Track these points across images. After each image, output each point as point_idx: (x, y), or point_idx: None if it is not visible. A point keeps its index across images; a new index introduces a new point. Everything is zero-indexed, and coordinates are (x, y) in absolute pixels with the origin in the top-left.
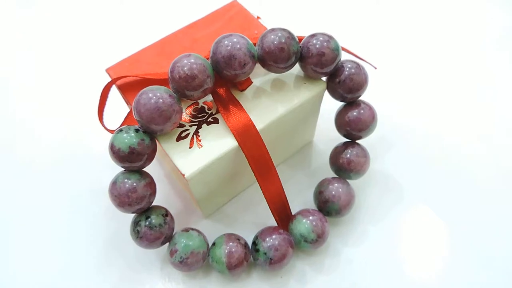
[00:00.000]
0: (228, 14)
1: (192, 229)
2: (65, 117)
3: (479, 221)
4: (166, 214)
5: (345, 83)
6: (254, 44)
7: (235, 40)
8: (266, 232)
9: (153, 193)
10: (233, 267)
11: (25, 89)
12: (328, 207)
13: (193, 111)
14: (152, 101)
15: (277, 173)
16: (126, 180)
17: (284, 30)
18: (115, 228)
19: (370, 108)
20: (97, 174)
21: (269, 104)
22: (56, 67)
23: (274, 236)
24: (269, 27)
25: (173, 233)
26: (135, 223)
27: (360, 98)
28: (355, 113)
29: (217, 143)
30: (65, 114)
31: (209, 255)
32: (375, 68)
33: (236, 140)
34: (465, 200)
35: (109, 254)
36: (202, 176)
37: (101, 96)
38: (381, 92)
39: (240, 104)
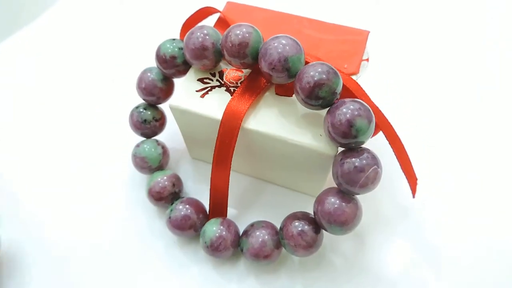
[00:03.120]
0: (347, 36)
1: (164, 147)
2: None
3: None
4: (157, 119)
5: (343, 168)
6: (307, 62)
7: (284, 42)
8: (192, 202)
9: (163, 98)
10: (151, 195)
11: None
12: (243, 240)
13: (229, 73)
14: (200, 39)
15: (229, 171)
16: (150, 74)
17: (329, 75)
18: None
19: (356, 208)
20: None
21: (275, 120)
22: None
23: (184, 206)
24: (364, 71)
25: (153, 136)
26: (137, 106)
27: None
28: (336, 204)
29: (212, 105)
30: None
31: (153, 174)
32: (413, 197)
33: (222, 117)
34: None
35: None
36: (182, 116)
37: (197, 12)
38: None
39: (254, 98)
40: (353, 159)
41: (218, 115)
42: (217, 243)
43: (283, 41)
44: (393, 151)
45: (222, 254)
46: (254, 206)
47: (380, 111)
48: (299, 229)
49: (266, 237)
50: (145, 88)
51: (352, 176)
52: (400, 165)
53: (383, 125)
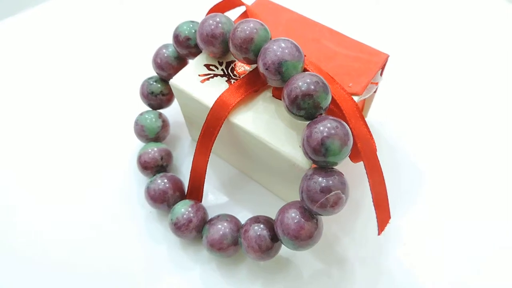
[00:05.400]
0: (363, 55)
1: (165, 121)
2: None
3: None
4: (164, 94)
5: (308, 184)
6: (305, 69)
7: (284, 46)
8: (172, 178)
9: (174, 73)
10: (139, 163)
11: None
12: (205, 228)
13: (238, 66)
14: (212, 26)
15: (208, 157)
16: (165, 50)
17: (316, 87)
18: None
19: (314, 228)
20: None
21: (262, 121)
22: None
23: (162, 180)
24: (368, 94)
25: (158, 109)
26: (149, 78)
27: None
28: (295, 219)
29: (207, 92)
30: None
31: (148, 143)
32: (378, 234)
33: (212, 106)
34: None
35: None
36: (179, 95)
37: (224, 1)
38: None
39: (248, 94)
40: (320, 178)
41: (210, 102)
42: (181, 223)
43: (283, 45)
44: (369, 184)
45: (184, 234)
46: (234, 199)
47: (372, 140)
48: (257, 233)
49: (227, 230)
50: (159, 63)
51: (312, 194)
52: (373, 200)
53: (368, 156)
